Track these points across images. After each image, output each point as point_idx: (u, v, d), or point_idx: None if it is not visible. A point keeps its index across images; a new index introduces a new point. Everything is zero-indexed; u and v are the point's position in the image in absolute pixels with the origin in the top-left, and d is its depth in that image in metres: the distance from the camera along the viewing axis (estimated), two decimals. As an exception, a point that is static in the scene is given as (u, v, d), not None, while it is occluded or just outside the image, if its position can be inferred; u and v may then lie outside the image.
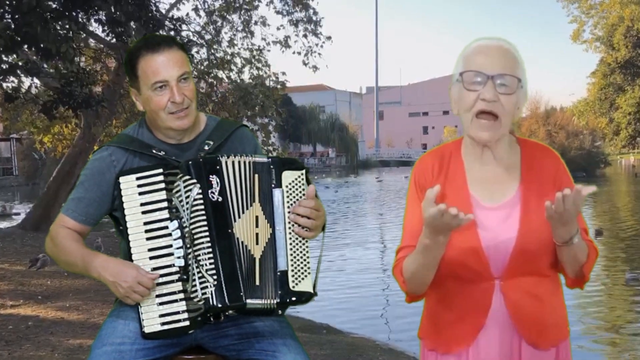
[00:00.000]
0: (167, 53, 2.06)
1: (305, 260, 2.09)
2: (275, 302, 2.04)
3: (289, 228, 2.08)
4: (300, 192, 2.11)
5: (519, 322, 1.80)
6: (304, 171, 2.13)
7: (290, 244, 2.08)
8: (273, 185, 2.09)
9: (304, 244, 2.10)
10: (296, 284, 2.06)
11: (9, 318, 6.04)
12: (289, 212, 2.08)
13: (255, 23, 15.73)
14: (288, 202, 2.09)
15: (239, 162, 2.09)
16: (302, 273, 2.08)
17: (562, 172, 1.86)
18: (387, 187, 33.86)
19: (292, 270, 2.07)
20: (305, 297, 2.07)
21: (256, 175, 2.09)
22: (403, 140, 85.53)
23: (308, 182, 2.13)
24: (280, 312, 2.09)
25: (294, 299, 2.05)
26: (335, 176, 47.64)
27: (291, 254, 2.08)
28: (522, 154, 1.87)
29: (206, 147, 2.16)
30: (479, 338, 1.82)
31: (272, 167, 2.10)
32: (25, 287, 7.70)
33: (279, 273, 2.06)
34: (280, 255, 2.07)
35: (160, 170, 2.05)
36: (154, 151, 2.13)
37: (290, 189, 2.10)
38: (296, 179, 2.11)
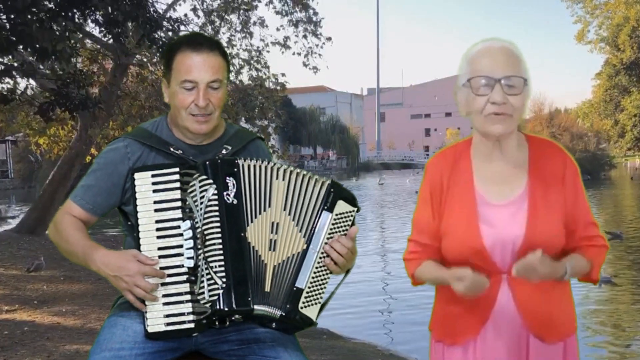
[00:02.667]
0: (206, 55, 2.05)
1: (322, 288, 2.07)
2: (278, 313, 2.00)
3: (322, 253, 2.05)
4: (345, 226, 2.09)
5: (527, 316, 1.84)
6: (356, 210, 2.11)
7: (317, 267, 2.05)
8: (326, 207, 2.06)
9: (327, 273, 2.08)
10: (305, 306, 2.03)
11: (5, 323, 5.96)
12: (328, 240, 2.05)
13: (254, 24, 15.69)
14: (331, 229, 2.06)
15: (257, 166, 2.05)
16: (314, 299, 2.05)
17: (570, 171, 1.90)
18: (390, 191, 33.75)
19: (307, 292, 2.03)
20: (305, 322, 2.04)
21: (276, 182, 2.05)
22: (405, 143, 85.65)
23: (353, 223, 2.11)
24: (274, 325, 2.03)
25: (297, 317, 2.01)
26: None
27: (313, 277, 2.04)
28: (530, 151, 1.92)
29: (224, 151, 2.17)
30: (485, 331, 1.87)
31: (332, 190, 2.08)
32: (21, 291, 7.62)
33: (294, 288, 2.02)
34: (304, 273, 2.03)
35: (177, 170, 2.02)
36: (171, 149, 2.12)
37: (338, 219, 2.07)
38: (347, 212, 2.09)
